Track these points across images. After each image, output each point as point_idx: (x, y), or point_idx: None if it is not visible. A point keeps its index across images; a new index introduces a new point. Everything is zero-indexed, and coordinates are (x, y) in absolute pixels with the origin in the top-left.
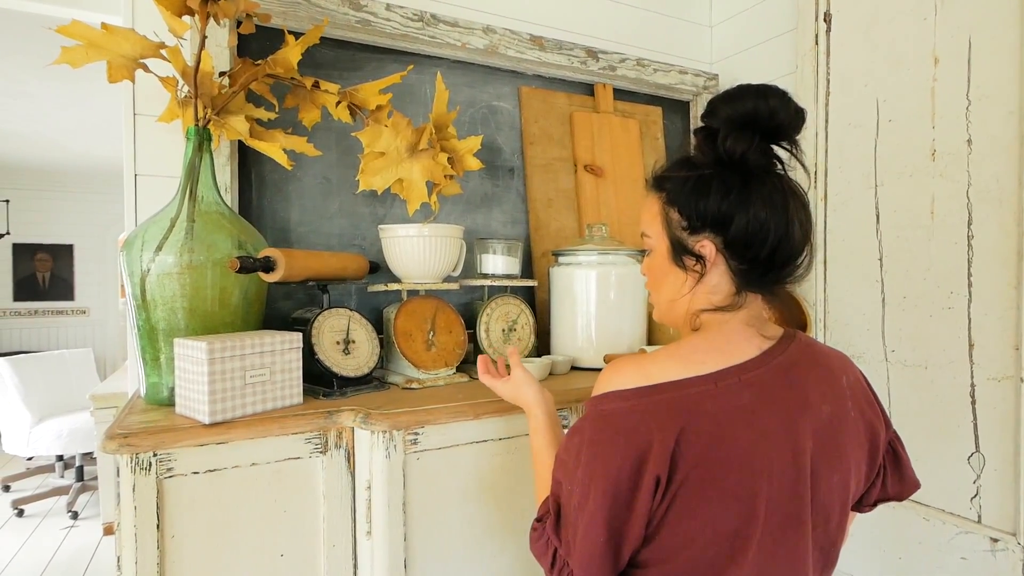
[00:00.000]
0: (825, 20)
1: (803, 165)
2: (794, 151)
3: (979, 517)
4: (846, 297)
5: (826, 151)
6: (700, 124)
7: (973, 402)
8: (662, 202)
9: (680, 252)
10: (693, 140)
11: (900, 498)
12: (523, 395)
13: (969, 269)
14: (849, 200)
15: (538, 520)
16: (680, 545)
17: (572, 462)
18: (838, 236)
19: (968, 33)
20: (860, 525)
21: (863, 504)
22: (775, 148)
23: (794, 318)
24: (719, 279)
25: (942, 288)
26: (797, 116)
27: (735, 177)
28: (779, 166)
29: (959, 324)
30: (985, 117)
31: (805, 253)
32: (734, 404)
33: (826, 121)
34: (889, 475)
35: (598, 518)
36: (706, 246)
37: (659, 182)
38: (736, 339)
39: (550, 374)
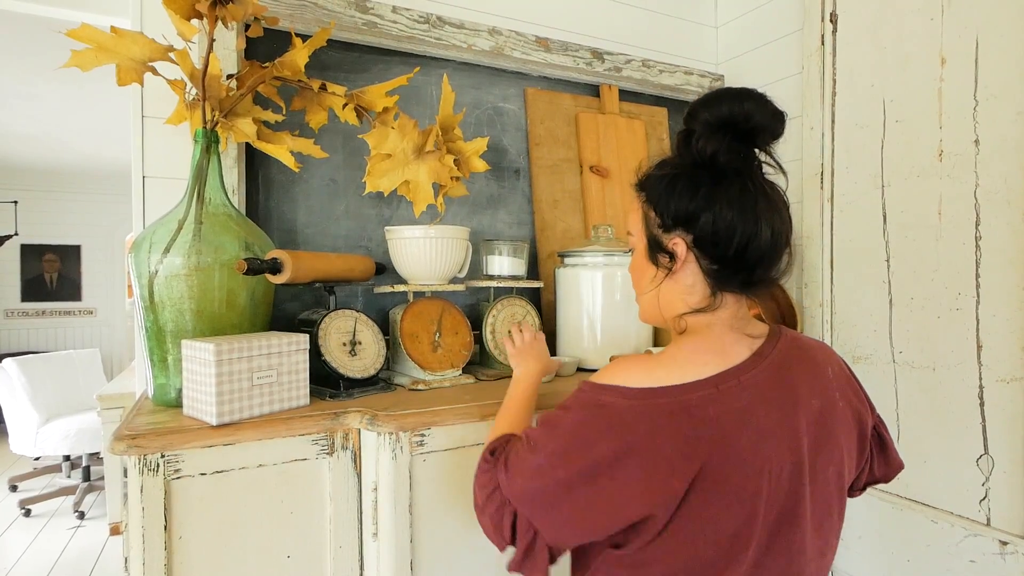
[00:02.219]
0: (831, 20)
1: (780, 168)
2: (768, 153)
3: (988, 520)
4: (853, 298)
5: (832, 152)
6: (682, 125)
7: (981, 404)
8: (642, 202)
9: (655, 249)
10: (673, 142)
11: (886, 479)
12: (522, 366)
13: (977, 270)
14: (856, 201)
15: (491, 454)
16: (680, 545)
17: (549, 431)
18: (845, 237)
19: (975, 33)
20: (867, 527)
21: (853, 488)
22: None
23: (784, 313)
24: (694, 279)
25: (950, 289)
26: (775, 119)
27: (705, 177)
28: (757, 168)
29: (967, 325)
30: (993, 117)
31: (781, 255)
32: (735, 407)
33: (832, 122)
34: (876, 458)
35: (561, 490)
36: (678, 244)
37: (640, 183)
38: (727, 340)
39: (556, 375)
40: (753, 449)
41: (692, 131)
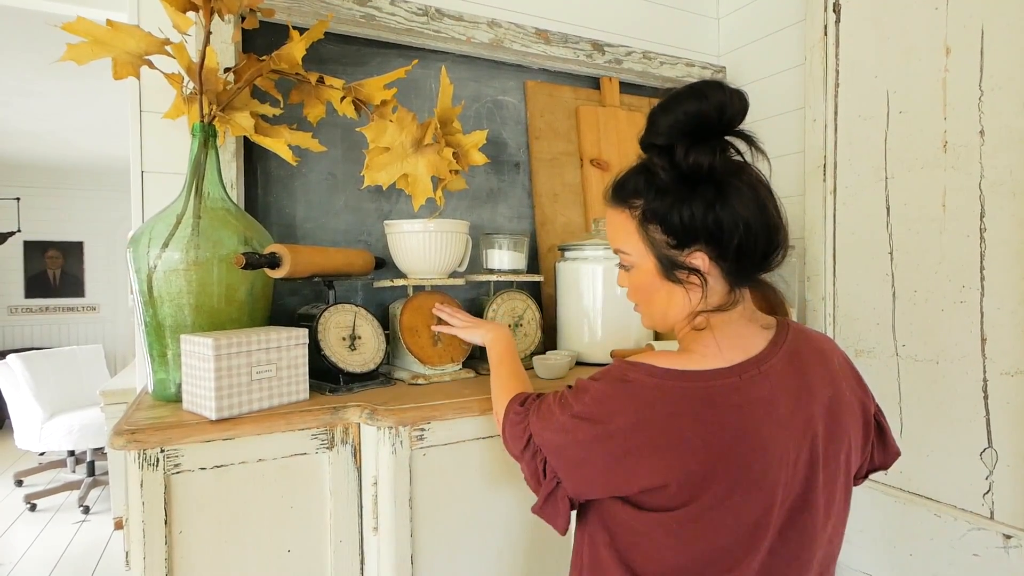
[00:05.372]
0: (834, 10)
1: (763, 153)
2: (753, 142)
3: (991, 513)
4: (856, 291)
5: (835, 143)
6: (647, 139)
7: (985, 397)
8: (637, 220)
9: (672, 268)
10: (646, 155)
11: (885, 467)
12: (483, 330)
13: (981, 262)
14: (859, 193)
15: (521, 404)
16: (702, 533)
17: (576, 394)
18: (848, 229)
19: (980, 22)
20: (870, 521)
21: (856, 477)
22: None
23: (773, 302)
24: (713, 282)
25: (954, 282)
26: (742, 101)
27: (709, 188)
28: (737, 155)
29: (971, 318)
30: (998, 108)
31: (784, 242)
32: (756, 396)
33: (835, 113)
34: (875, 446)
35: (579, 442)
36: (699, 257)
37: (626, 201)
38: (745, 332)
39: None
40: (774, 438)
41: (669, 146)
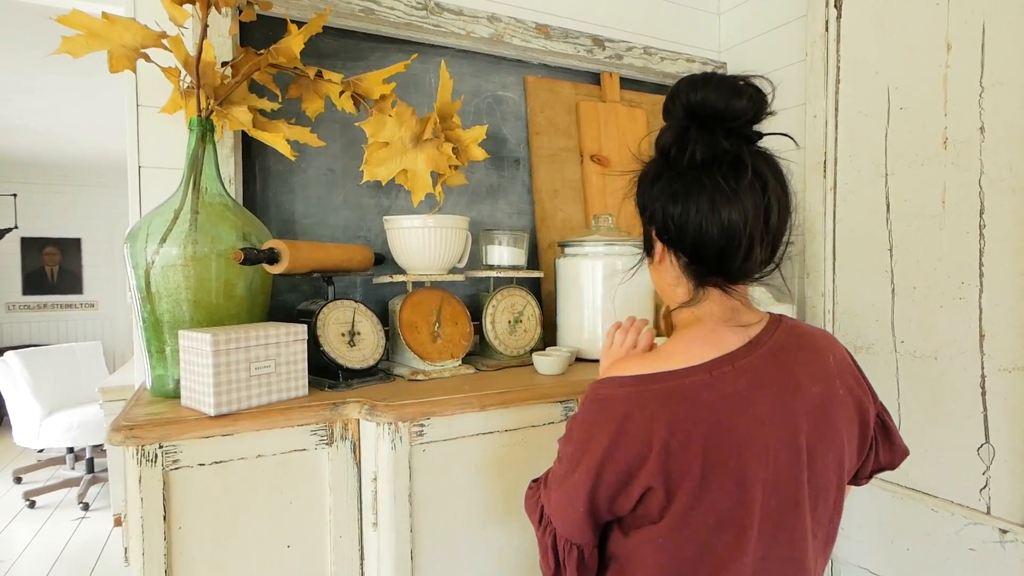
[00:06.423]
0: (835, 6)
1: (743, 153)
2: (740, 144)
3: (988, 508)
4: (855, 287)
5: (836, 140)
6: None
7: (983, 393)
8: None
9: (645, 239)
10: None
11: (892, 466)
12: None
13: (981, 259)
14: (859, 189)
15: (535, 481)
16: (687, 536)
17: (566, 437)
18: (847, 226)
19: (982, 18)
20: (867, 515)
21: (859, 477)
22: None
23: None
24: (676, 272)
25: (953, 278)
26: (733, 96)
27: (665, 172)
28: (727, 157)
29: (970, 314)
30: (999, 104)
31: (743, 248)
32: (730, 392)
33: (836, 109)
34: (880, 446)
35: (581, 492)
36: (653, 233)
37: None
38: (720, 332)
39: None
40: (750, 434)
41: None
